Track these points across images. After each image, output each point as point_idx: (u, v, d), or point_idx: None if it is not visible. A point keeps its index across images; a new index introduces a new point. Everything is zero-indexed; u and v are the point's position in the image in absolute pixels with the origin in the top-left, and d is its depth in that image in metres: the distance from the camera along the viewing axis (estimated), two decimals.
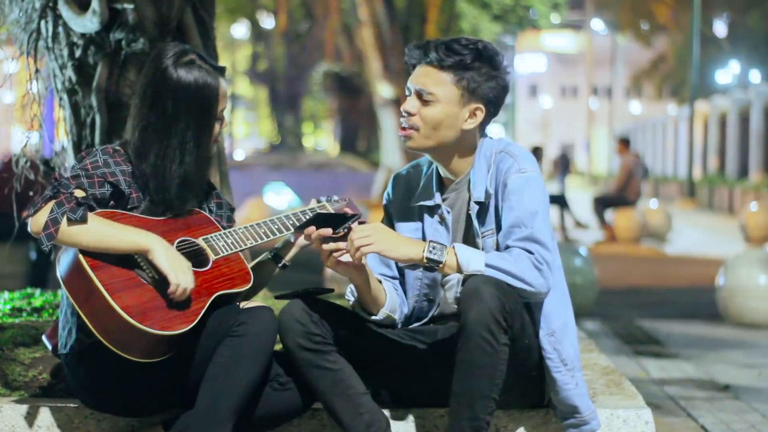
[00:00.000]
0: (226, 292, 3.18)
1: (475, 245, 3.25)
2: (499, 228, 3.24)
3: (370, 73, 22.59)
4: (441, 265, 3.10)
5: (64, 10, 4.47)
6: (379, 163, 24.86)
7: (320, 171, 29.63)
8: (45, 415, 3.42)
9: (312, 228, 3.15)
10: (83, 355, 3.17)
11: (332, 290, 3.41)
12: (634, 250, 16.52)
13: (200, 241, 3.23)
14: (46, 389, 3.61)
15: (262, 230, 3.32)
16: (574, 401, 3.24)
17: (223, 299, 3.18)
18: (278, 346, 3.21)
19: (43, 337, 3.43)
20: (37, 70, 4.68)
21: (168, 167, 3.20)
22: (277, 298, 3.33)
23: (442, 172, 3.35)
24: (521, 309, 3.14)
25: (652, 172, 42.06)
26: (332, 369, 3.18)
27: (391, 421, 3.34)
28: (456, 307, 3.14)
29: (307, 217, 3.32)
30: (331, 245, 3.15)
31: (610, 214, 17.24)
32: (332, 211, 3.37)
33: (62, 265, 3.12)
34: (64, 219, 3.03)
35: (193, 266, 3.17)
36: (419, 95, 3.26)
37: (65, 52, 4.56)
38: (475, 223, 3.26)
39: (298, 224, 3.33)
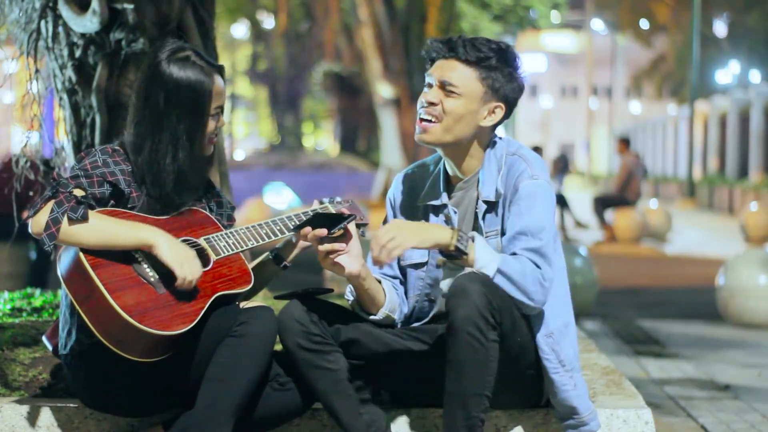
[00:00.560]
0: (226, 293, 3.18)
1: None
2: (503, 230, 3.24)
3: (370, 73, 22.61)
4: (465, 256, 3.09)
5: (64, 10, 4.47)
6: (379, 163, 24.87)
7: (320, 171, 29.66)
8: (45, 415, 3.42)
9: (308, 228, 3.15)
10: (83, 356, 3.17)
11: (332, 290, 3.41)
12: (634, 250, 16.52)
13: (201, 240, 3.23)
14: (46, 389, 3.61)
15: (264, 231, 3.32)
16: (572, 402, 3.24)
17: (223, 299, 3.18)
18: (278, 346, 3.21)
19: (44, 338, 3.43)
20: (37, 70, 4.68)
21: (161, 162, 3.21)
22: (276, 298, 3.33)
23: (451, 170, 3.35)
24: (511, 306, 3.13)
25: (652, 172, 42.07)
26: (332, 369, 3.18)
27: (391, 422, 3.34)
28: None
29: (305, 218, 3.32)
30: (327, 246, 3.15)
31: (610, 214, 17.25)
32: (331, 212, 3.37)
33: (63, 263, 3.12)
34: (65, 218, 3.03)
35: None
36: (442, 86, 3.25)
37: (65, 52, 4.56)
38: (481, 222, 3.26)
39: (298, 225, 3.33)
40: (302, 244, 3.38)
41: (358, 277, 3.21)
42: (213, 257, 3.21)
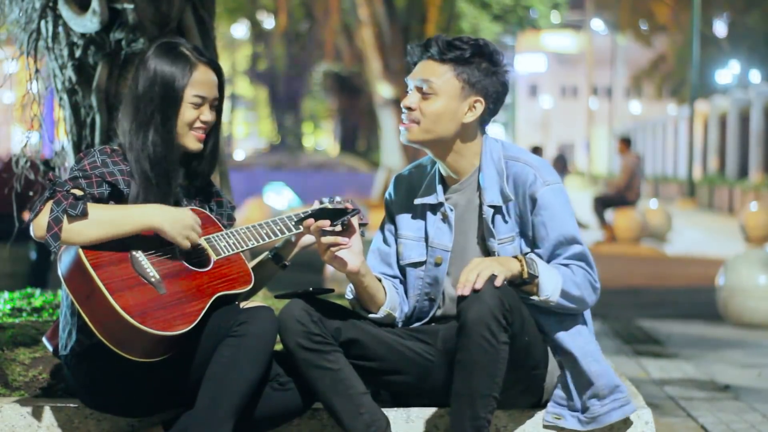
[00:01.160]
0: (226, 293, 3.18)
1: (490, 250, 3.26)
2: (523, 236, 3.27)
3: (370, 73, 22.61)
4: (536, 280, 3.16)
5: (64, 10, 4.47)
6: (379, 163, 24.87)
7: (320, 171, 29.66)
8: (45, 415, 3.42)
9: (310, 220, 3.16)
10: (83, 356, 3.17)
11: (332, 290, 3.41)
12: (634, 250, 16.53)
13: (202, 240, 3.23)
14: (46, 389, 3.61)
15: (264, 231, 3.32)
16: (616, 381, 3.28)
17: (223, 299, 3.18)
18: (278, 346, 3.21)
19: (44, 339, 3.43)
20: (37, 70, 4.68)
21: (134, 142, 3.23)
22: (277, 298, 3.33)
23: (444, 170, 3.36)
24: (520, 306, 3.15)
25: (652, 172, 42.09)
26: (332, 369, 3.18)
27: (391, 421, 3.34)
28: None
29: (312, 211, 3.32)
30: (329, 238, 3.16)
31: (610, 214, 17.25)
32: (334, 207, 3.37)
33: (63, 263, 3.12)
34: (65, 216, 3.03)
35: (195, 266, 3.18)
36: (419, 90, 3.28)
37: (65, 52, 4.56)
38: (491, 227, 3.27)
39: (298, 222, 3.33)
40: (302, 242, 3.39)
41: (358, 273, 3.21)
42: (213, 257, 3.21)
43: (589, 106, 61.74)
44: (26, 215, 3.14)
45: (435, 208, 3.35)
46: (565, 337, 3.27)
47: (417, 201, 3.38)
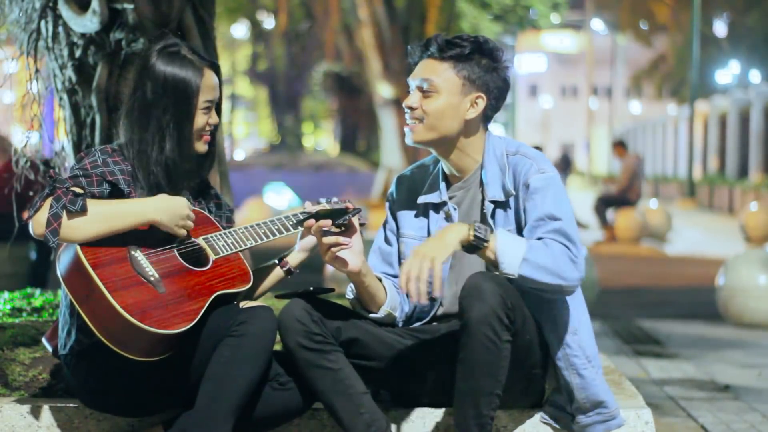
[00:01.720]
0: (225, 292, 3.18)
1: None
2: (519, 228, 3.24)
3: (370, 73, 22.60)
4: (486, 245, 3.06)
5: (64, 10, 4.47)
6: (379, 163, 24.86)
7: (320, 171, 29.63)
8: (45, 415, 3.42)
9: (312, 221, 3.16)
10: (83, 356, 3.17)
11: (332, 290, 3.41)
12: (634, 250, 16.52)
13: (200, 240, 3.23)
14: (46, 389, 3.61)
15: (262, 231, 3.32)
16: (601, 396, 3.26)
17: (222, 299, 3.18)
18: (278, 346, 3.21)
19: (43, 339, 3.43)
20: (37, 70, 4.68)
21: (149, 153, 3.22)
22: (277, 297, 3.33)
23: (447, 169, 3.35)
24: (522, 305, 3.14)
25: (652, 172, 42.08)
26: (332, 369, 3.18)
27: (391, 421, 3.34)
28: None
29: (306, 216, 3.32)
30: (331, 239, 3.16)
31: (611, 214, 17.25)
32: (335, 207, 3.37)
33: (62, 263, 3.12)
34: (65, 212, 3.04)
35: (193, 266, 3.18)
36: (420, 89, 3.28)
37: (65, 52, 4.56)
38: (491, 222, 3.26)
39: (297, 223, 3.33)
40: (306, 246, 3.39)
41: (358, 273, 3.21)
42: (212, 257, 3.22)
43: (589, 106, 61.73)
44: (26, 215, 3.14)
45: (438, 206, 3.35)
46: (551, 346, 3.24)
47: (420, 200, 3.37)
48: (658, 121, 45.34)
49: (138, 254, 3.12)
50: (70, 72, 4.57)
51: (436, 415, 3.39)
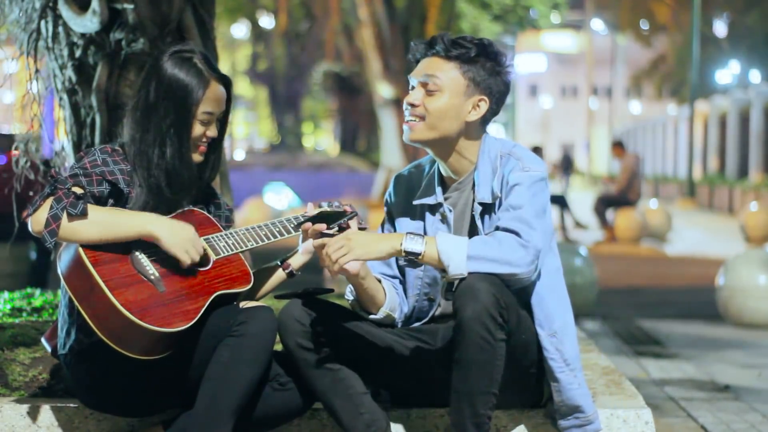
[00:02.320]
0: (225, 292, 3.19)
1: None
2: None
3: (370, 73, 22.59)
4: (420, 256, 3.07)
5: (64, 10, 4.47)
6: (379, 163, 24.86)
7: (320, 171, 29.63)
8: (45, 415, 3.43)
9: (308, 224, 3.16)
10: (82, 356, 3.17)
11: (332, 290, 3.41)
12: (634, 250, 16.52)
13: (201, 241, 3.23)
14: (46, 389, 3.62)
15: (263, 232, 3.33)
16: (578, 401, 3.24)
17: (222, 299, 3.18)
18: (278, 346, 3.21)
19: (42, 340, 3.43)
20: (37, 70, 4.68)
21: (150, 154, 3.22)
22: (277, 298, 3.33)
23: (444, 171, 3.35)
24: (516, 304, 3.14)
25: (652, 172, 42.09)
26: (332, 369, 3.18)
27: (391, 421, 3.34)
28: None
29: (306, 218, 3.33)
30: (326, 240, 3.15)
31: (610, 214, 17.25)
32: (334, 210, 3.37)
33: (63, 261, 3.12)
34: (65, 214, 3.04)
35: (194, 265, 3.18)
36: (424, 85, 3.26)
37: (65, 52, 4.56)
38: (479, 223, 3.26)
39: (297, 225, 3.34)
40: (307, 248, 3.39)
41: (357, 275, 3.21)
42: (213, 257, 3.22)
43: (589, 106, 61.74)
44: (26, 214, 3.14)
45: (434, 208, 3.35)
46: (526, 348, 3.23)
47: (416, 202, 3.37)
48: (658, 121, 45.34)
49: (139, 253, 3.13)
50: (70, 72, 4.57)
51: (436, 415, 3.39)
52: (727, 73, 41.72)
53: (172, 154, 3.22)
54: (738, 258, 8.74)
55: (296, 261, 3.44)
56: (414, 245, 3.08)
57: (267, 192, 24.57)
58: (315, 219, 3.16)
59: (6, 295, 5.05)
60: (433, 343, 3.29)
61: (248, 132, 60.00)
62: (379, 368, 3.28)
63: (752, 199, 23.99)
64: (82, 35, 4.49)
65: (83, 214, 3.05)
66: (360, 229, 3.29)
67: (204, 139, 3.28)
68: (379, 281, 3.32)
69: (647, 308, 9.90)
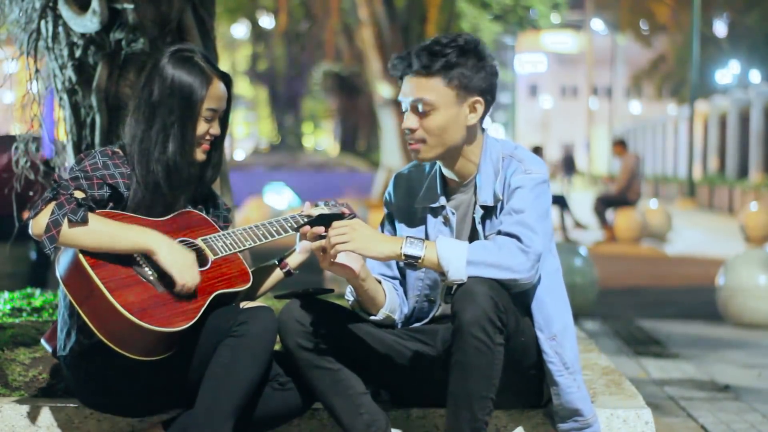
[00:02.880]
0: (225, 291, 3.19)
1: None
2: None
3: (370, 73, 22.58)
4: (420, 260, 3.07)
5: (64, 10, 4.47)
6: (379, 163, 24.85)
7: (320, 171, 29.62)
8: (45, 415, 3.43)
9: (307, 227, 3.15)
10: (83, 356, 3.17)
11: (332, 290, 3.41)
12: (634, 250, 16.52)
13: (199, 241, 3.24)
14: (46, 389, 3.62)
15: (261, 232, 3.33)
16: (577, 404, 3.24)
17: (222, 299, 3.18)
18: (278, 346, 3.21)
19: (42, 341, 3.43)
20: (37, 70, 4.68)
21: (151, 151, 3.22)
22: (277, 298, 3.33)
23: (447, 173, 3.34)
24: (515, 307, 3.13)
25: (652, 172, 42.08)
26: (332, 369, 3.18)
27: (391, 421, 3.34)
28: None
29: (305, 219, 3.33)
30: (324, 242, 3.15)
31: (610, 214, 17.24)
32: (331, 212, 3.37)
33: (62, 264, 3.12)
34: (65, 221, 3.04)
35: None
36: (415, 109, 3.23)
37: (65, 52, 4.56)
38: (479, 227, 3.25)
39: (296, 226, 3.34)
40: (305, 248, 3.39)
41: (357, 277, 3.20)
42: (211, 257, 3.22)
43: (589, 106, 61.73)
44: (26, 215, 3.14)
45: (436, 211, 3.34)
46: (525, 351, 3.23)
47: (418, 203, 3.36)
48: (658, 121, 45.34)
49: (137, 255, 3.12)
50: (70, 72, 4.57)
51: (436, 415, 3.39)
52: (727, 73, 41.72)
53: (174, 150, 3.22)
54: (738, 258, 8.74)
55: (294, 260, 3.45)
56: (414, 250, 3.08)
57: (267, 192, 24.57)
58: (314, 221, 3.16)
59: (6, 295, 5.05)
60: (433, 343, 3.28)
61: (249, 132, 59.99)
62: (379, 368, 3.28)
63: (752, 199, 23.99)
64: (82, 35, 4.49)
65: (84, 222, 3.05)
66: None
67: (207, 137, 3.28)
68: (380, 282, 3.32)
69: (647, 308, 9.90)
